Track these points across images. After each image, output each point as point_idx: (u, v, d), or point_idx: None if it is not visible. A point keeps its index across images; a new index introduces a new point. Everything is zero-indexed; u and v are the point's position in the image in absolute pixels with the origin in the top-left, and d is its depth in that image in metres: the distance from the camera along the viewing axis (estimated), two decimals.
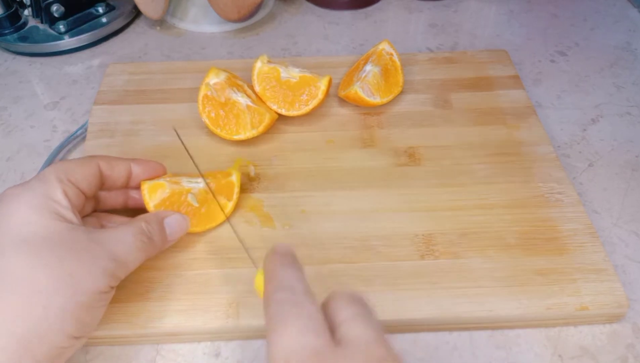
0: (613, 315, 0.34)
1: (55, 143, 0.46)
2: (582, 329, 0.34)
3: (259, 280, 0.27)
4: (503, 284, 0.34)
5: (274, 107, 0.44)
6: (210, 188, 0.37)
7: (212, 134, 0.43)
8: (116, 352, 0.33)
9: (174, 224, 0.34)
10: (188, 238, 0.36)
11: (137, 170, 0.35)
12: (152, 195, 0.36)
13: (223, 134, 0.42)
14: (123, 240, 0.30)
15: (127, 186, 0.36)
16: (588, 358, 0.33)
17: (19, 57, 0.56)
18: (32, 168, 0.45)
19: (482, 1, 0.64)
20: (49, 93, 0.52)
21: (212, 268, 0.35)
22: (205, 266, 0.35)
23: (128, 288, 0.34)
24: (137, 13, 0.61)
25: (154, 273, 0.35)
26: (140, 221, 0.32)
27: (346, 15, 0.62)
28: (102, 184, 0.34)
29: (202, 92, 0.42)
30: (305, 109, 0.44)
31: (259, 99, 0.44)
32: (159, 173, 0.37)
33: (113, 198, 0.36)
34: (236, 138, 0.42)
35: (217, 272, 0.35)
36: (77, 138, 0.46)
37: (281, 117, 0.44)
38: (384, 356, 0.22)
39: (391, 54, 0.47)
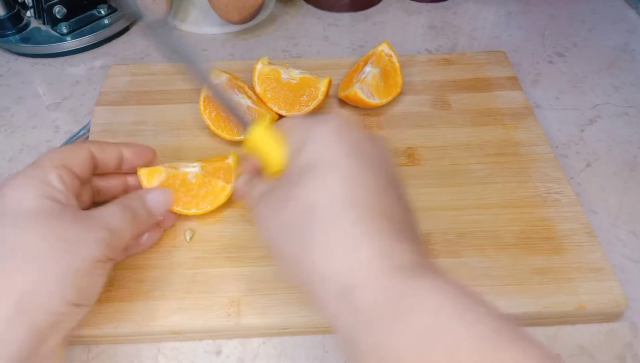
0: (611, 314, 0.34)
1: (58, 144, 0.47)
2: (579, 328, 0.34)
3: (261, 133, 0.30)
4: (501, 283, 0.35)
5: (275, 108, 0.44)
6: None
7: (213, 134, 0.43)
8: (118, 350, 0.33)
9: (156, 198, 0.35)
10: (190, 235, 0.37)
11: (127, 154, 0.36)
12: (150, 180, 0.36)
13: (224, 134, 0.42)
14: (112, 212, 0.31)
15: (120, 170, 0.37)
16: (586, 357, 0.33)
17: (21, 58, 0.56)
18: None
19: (481, 3, 0.64)
20: (51, 94, 0.52)
21: (213, 267, 0.36)
22: (206, 265, 0.36)
23: (130, 286, 0.34)
24: None
25: (156, 272, 0.35)
26: (122, 199, 0.33)
27: (346, 17, 0.62)
28: (95, 168, 0.35)
29: (204, 93, 0.43)
30: (305, 110, 0.44)
31: (259, 100, 0.45)
32: (149, 156, 0.38)
33: (113, 187, 0.37)
34: (237, 138, 0.42)
35: (218, 271, 0.35)
36: (79, 138, 0.46)
37: (281, 118, 0.44)
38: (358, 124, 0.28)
39: (390, 56, 0.48)
